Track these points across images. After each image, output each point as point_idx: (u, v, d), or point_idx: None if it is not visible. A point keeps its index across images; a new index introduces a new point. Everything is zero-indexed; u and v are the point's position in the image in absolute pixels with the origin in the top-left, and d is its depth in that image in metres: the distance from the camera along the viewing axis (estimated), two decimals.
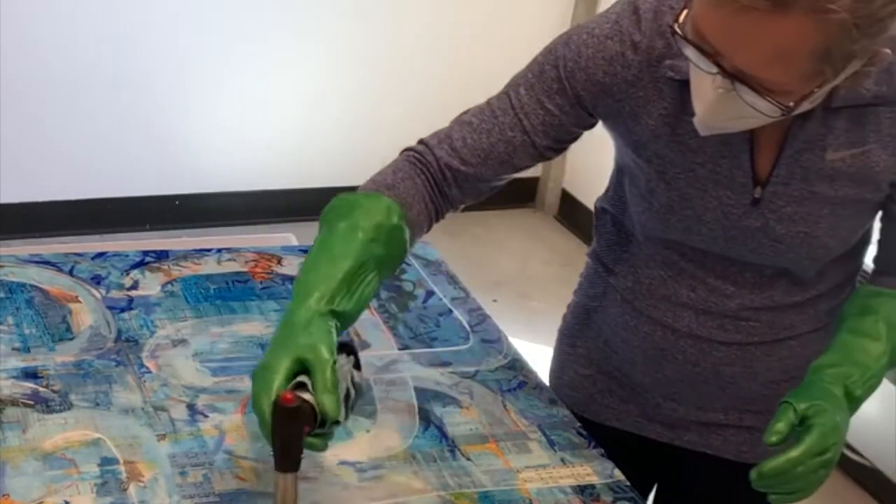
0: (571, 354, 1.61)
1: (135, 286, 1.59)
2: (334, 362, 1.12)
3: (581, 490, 1.35)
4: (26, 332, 1.45)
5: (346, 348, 1.20)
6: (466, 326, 1.64)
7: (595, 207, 1.56)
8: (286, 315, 1.17)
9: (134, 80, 3.43)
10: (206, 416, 1.35)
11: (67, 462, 1.24)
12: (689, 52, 1.12)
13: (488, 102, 1.35)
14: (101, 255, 1.66)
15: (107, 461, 1.25)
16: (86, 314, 1.51)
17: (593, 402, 1.58)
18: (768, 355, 1.43)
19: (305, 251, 1.36)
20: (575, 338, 1.60)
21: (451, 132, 1.34)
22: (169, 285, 1.60)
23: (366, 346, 1.55)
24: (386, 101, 3.77)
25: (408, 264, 1.77)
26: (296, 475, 1.12)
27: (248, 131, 3.67)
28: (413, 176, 1.32)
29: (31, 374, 1.37)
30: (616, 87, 1.29)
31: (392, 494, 1.29)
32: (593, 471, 1.39)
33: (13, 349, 1.41)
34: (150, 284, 1.60)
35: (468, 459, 1.37)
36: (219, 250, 1.72)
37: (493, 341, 1.63)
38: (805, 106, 1.13)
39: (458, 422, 1.43)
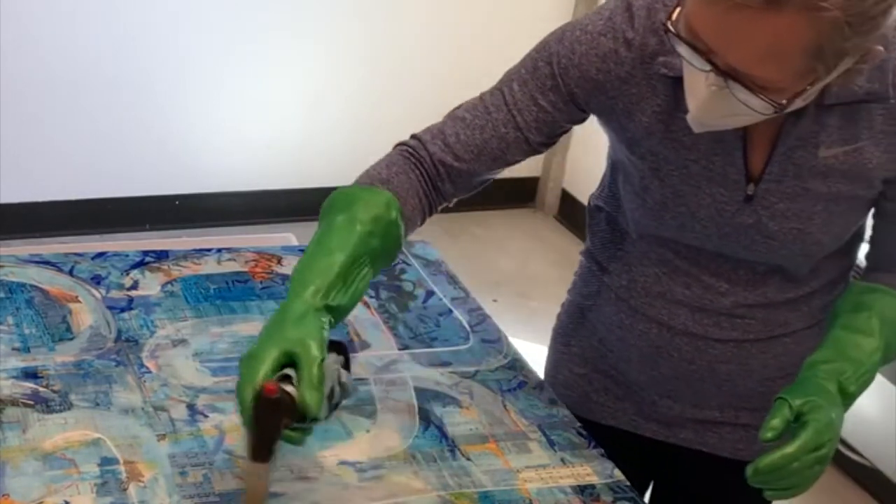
0: (566, 353, 1.61)
1: (135, 286, 1.59)
2: (322, 359, 1.13)
3: (581, 490, 1.35)
4: (26, 332, 1.45)
5: (338, 347, 1.20)
6: (466, 326, 1.64)
7: (588, 205, 1.56)
8: (281, 306, 1.18)
9: (134, 80, 3.43)
10: (206, 416, 1.35)
11: (67, 462, 1.24)
12: (683, 49, 1.12)
13: (481, 98, 1.35)
14: (101, 255, 1.66)
15: (107, 461, 1.25)
16: (86, 314, 1.51)
17: (588, 400, 1.58)
18: (763, 352, 1.44)
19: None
20: (569, 337, 1.61)
21: (445, 127, 1.35)
22: (169, 285, 1.61)
23: (366, 346, 1.55)
24: (386, 101, 3.77)
25: (407, 264, 1.77)
26: (268, 466, 1.13)
27: (248, 131, 3.67)
28: (407, 171, 1.33)
29: (31, 374, 1.37)
30: (609, 84, 1.29)
31: (392, 494, 1.29)
32: (593, 471, 1.39)
33: (13, 349, 1.41)
34: (150, 284, 1.60)
35: (468, 459, 1.37)
36: (219, 250, 1.72)
37: (493, 341, 1.63)
38: (798, 103, 1.14)
39: (458, 422, 1.43)
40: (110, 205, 3.57)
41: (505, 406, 1.48)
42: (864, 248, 1.46)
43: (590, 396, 1.58)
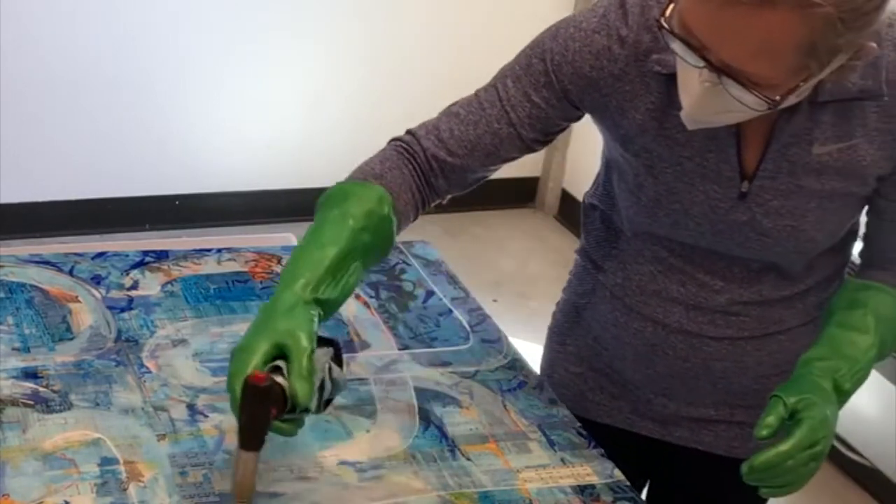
0: (561, 352, 1.61)
1: (135, 286, 1.59)
2: (312, 350, 1.13)
3: (581, 490, 1.35)
4: (26, 332, 1.45)
5: (328, 342, 1.21)
6: (466, 326, 1.64)
7: (583, 203, 1.56)
8: (271, 298, 1.19)
9: (134, 80, 3.43)
10: (206, 416, 1.35)
11: (67, 462, 1.24)
12: (676, 46, 1.12)
13: (476, 94, 1.36)
14: (101, 255, 1.66)
15: (107, 461, 1.25)
16: (86, 314, 1.51)
17: (584, 399, 1.58)
18: (758, 350, 1.44)
19: None
20: (565, 335, 1.61)
21: (439, 123, 1.35)
22: (169, 285, 1.61)
23: (366, 346, 1.55)
24: (386, 101, 3.77)
25: (407, 264, 1.77)
26: (257, 455, 1.13)
27: (248, 131, 3.67)
28: (400, 166, 1.33)
29: (31, 374, 1.37)
30: (603, 82, 1.29)
31: (392, 494, 1.29)
32: (593, 471, 1.39)
33: (13, 349, 1.41)
34: (150, 284, 1.60)
35: (468, 459, 1.37)
36: (219, 250, 1.72)
37: (493, 341, 1.63)
38: (791, 100, 1.14)
39: (458, 422, 1.43)
40: (110, 205, 3.57)
41: (505, 406, 1.48)
42: (858, 246, 1.46)
43: (585, 395, 1.58)
